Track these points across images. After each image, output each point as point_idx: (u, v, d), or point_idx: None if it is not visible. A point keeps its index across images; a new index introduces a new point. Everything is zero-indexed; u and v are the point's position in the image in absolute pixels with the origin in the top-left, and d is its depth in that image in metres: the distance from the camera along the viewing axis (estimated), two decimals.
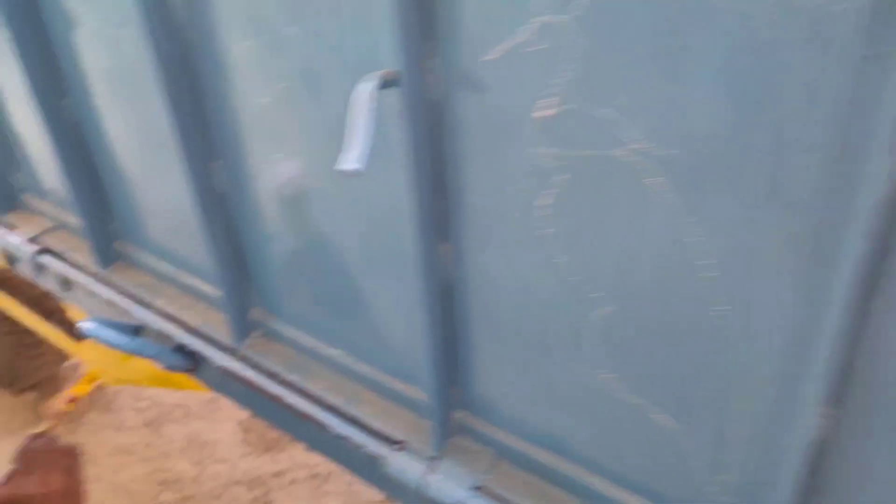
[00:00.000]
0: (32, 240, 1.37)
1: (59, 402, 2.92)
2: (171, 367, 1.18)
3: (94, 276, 1.28)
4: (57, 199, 1.37)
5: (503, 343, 0.86)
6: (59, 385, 2.95)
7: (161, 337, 1.19)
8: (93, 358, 1.54)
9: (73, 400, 2.97)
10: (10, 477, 1.12)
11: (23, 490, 1.09)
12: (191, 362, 1.18)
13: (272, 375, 1.07)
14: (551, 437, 0.89)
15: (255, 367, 1.08)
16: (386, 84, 0.66)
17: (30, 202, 1.46)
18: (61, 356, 2.90)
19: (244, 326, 1.11)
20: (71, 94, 1.14)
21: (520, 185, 0.72)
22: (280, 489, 2.61)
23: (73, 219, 1.37)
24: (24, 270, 1.54)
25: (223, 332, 1.11)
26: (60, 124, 1.16)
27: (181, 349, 1.17)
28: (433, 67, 0.70)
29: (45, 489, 1.12)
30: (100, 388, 3.06)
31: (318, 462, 2.70)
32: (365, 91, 0.63)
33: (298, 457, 2.73)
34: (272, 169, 0.94)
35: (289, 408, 1.04)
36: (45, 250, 1.35)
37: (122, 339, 1.11)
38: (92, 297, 1.33)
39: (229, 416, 2.92)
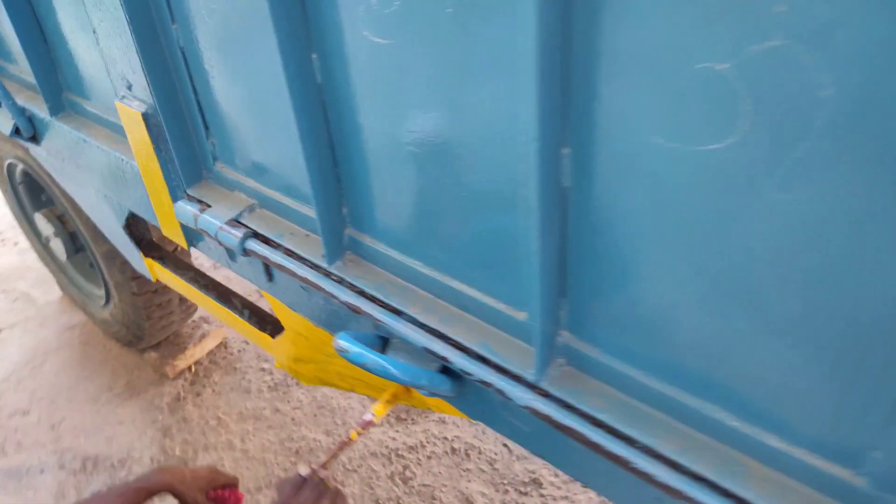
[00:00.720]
0: (235, 221, 1.17)
1: (183, 363, 2.83)
2: (435, 394, 0.97)
3: (321, 270, 1.07)
4: (265, 174, 1.16)
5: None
6: (183, 344, 2.85)
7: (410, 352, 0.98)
8: (291, 353, 1.35)
9: (197, 361, 2.88)
10: None
11: None
12: (457, 387, 0.96)
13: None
14: (663, 366, 0.76)
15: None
16: None
17: (221, 175, 1.25)
18: (187, 315, 2.79)
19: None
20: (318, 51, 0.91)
21: None
22: (418, 464, 2.46)
23: (284, 198, 1.15)
24: (213, 254, 1.35)
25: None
26: (307, 94, 0.92)
27: (446, 370, 0.96)
28: None
29: None
30: (224, 347, 2.95)
31: (455, 435, 2.55)
32: None
33: (433, 429, 2.58)
34: None
35: None
36: (254, 234, 1.15)
37: (387, 365, 0.90)
38: (306, 291, 1.14)
39: None
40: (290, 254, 1.11)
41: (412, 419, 2.62)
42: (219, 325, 2.98)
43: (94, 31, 1.20)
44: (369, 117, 0.90)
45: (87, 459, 2.52)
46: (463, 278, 0.93)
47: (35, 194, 2.83)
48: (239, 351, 2.95)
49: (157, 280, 1.67)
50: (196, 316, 2.94)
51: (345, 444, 1.02)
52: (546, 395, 0.85)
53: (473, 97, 0.75)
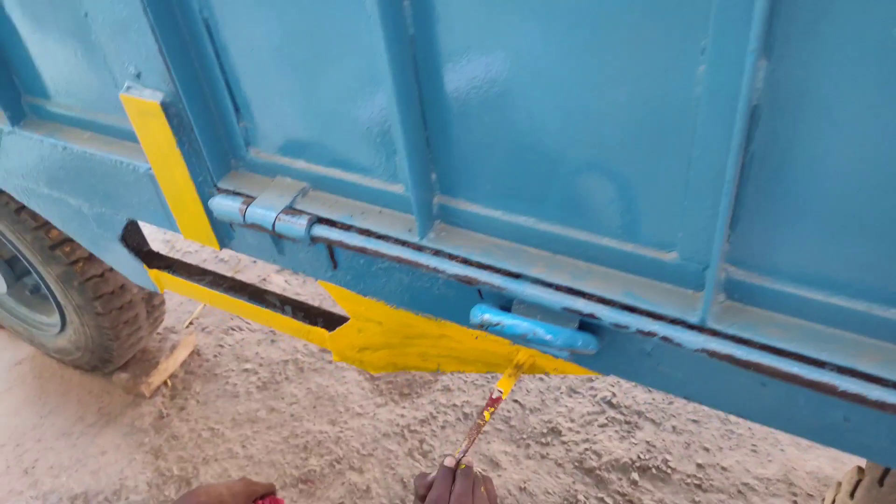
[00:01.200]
0: (291, 209, 1.05)
1: (157, 378, 2.63)
2: (579, 355, 0.91)
3: (410, 245, 0.98)
4: (317, 151, 1.04)
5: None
6: (154, 359, 2.64)
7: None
8: (356, 343, 1.25)
9: (172, 374, 2.69)
10: None
11: None
12: (600, 344, 0.91)
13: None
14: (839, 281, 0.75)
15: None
16: None
17: (256, 161, 1.12)
18: (153, 328, 2.59)
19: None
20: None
21: None
22: (434, 436, 2.41)
23: (344, 174, 1.05)
24: (253, 251, 1.22)
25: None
26: (401, 48, 0.82)
27: (585, 327, 0.90)
28: None
29: None
30: (197, 354, 2.77)
31: (463, 401, 2.51)
32: None
33: (440, 399, 2.53)
34: None
35: None
36: (320, 219, 1.04)
37: (543, 332, 0.83)
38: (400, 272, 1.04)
39: (347, 365, 2.68)
40: (367, 234, 1.01)
41: (416, 392, 2.56)
42: (187, 333, 2.79)
43: (86, 16, 1.03)
44: (466, 69, 0.82)
45: (75, 498, 2.32)
46: (592, 228, 0.87)
47: None
48: (215, 356, 2.77)
49: (164, 291, 1.50)
50: (160, 328, 2.73)
51: (480, 427, 0.95)
52: (716, 334, 0.81)
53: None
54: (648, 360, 0.93)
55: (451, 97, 0.86)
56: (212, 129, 1.10)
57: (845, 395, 0.74)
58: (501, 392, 0.96)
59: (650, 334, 0.82)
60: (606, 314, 0.85)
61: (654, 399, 2.42)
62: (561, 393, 2.49)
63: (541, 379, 2.55)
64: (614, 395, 2.44)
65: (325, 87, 0.96)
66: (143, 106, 1.07)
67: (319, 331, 1.29)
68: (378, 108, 0.92)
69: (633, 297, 0.85)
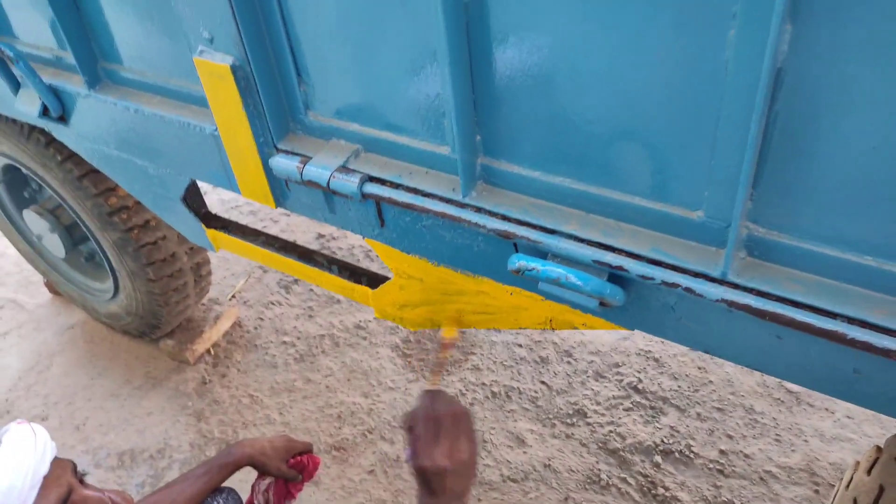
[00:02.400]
0: (345, 168, 1.14)
1: (201, 346, 2.75)
2: (606, 305, 0.98)
3: (455, 203, 1.06)
4: (370, 115, 1.13)
5: None
6: (198, 328, 2.77)
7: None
8: (397, 300, 1.33)
9: (215, 343, 2.81)
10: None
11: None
12: (625, 296, 0.98)
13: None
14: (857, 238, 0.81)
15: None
16: None
17: (313, 124, 1.21)
18: (200, 297, 2.71)
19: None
20: None
21: None
22: None
23: (394, 136, 1.13)
24: (305, 210, 1.31)
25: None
26: (456, 14, 0.90)
27: (614, 280, 0.97)
28: None
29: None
30: (239, 326, 2.89)
31: (492, 380, 2.58)
32: None
33: (469, 377, 2.61)
34: None
35: None
36: (371, 178, 1.12)
37: (574, 278, 0.91)
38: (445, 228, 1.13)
39: (381, 341, 2.78)
40: (415, 192, 1.10)
41: (446, 370, 2.64)
42: (230, 306, 2.91)
43: None
44: (515, 40, 0.90)
45: (122, 454, 2.45)
46: (624, 188, 0.94)
47: (17, 192, 2.67)
48: (255, 328, 2.89)
49: (220, 251, 1.61)
50: (205, 299, 2.86)
51: (442, 362, 1.08)
52: (736, 287, 0.87)
53: None
54: (672, 313, 0.99)
55: (499, 65, 0.94)
56: (275, 93, 1.19)
57: (854, 344, 0.80)
58: (454, 339, 1.09)
59: (674, 285, 0.89)
60: (634, 267, 0.92)
61: (679, 387, 2.46)
62: (588, 377, 2.54)
63: (568, 363, 2.61)
64: (640, 380, 2.50)
65: (382, 54, 1.04)
66: (214, 69, 1.17)
67: (363, 289, 1.38)
68: (430, 74, 1.00)
69: (660, 253, 0.92)
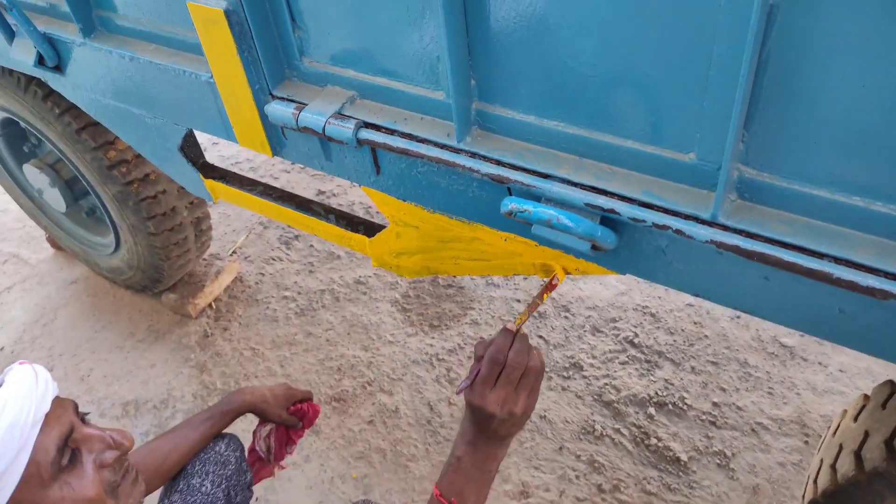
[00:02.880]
0: (340, 114, 1.14)
1: (203, 300, 2.78)
2: (598, 248, 1.00)
3: (449, 148, 1.07)
4: (365, 61, 1.12)
5: None
6: (200, 283, 2.79)
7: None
8: (393, 248, 1.35)
9: (217, 298, 2.84)
10: None
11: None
12: (616, 239, 0.99)
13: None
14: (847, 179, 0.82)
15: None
16: None
17: (309, 70, 1.21)
18: (201, 252, 2.73)
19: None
20: None
21: None
22: (460, 365, 2.53)
23: (390, 82, 1.13)
24: (302, 158, 1.32)
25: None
26: None
27: (606, 224, 0.98)
28: None
29: None
30: (240, 280, 2.91)
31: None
32: None
33: (467, 331, 2.64)
34: None
35: None
36: (366, 124, 1.13)
37: (566, 219, 0.92)
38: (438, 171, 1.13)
39: (381, 296, 2.80)
40: (410, 137, 1.10)
41: (445, 325, 2.67)
42: (231, 261, 2.93)
43: None
44: None
45: (126, 404, 2.50)
46: (618, 131, 0.95)
47: (16, 147, 2.67)
48: (256, 283, 2.92)
49: (218, 201, 1.62)
50: (206, 254, 2.87)
51: (537, 304, 1.04)
52: (725, 228, 0.88)
53: None
54: (662, 257, 1.01)
55: (493, 8, 0.93)
56: (269, 38, 1.19)
57: (839, 283, 0.82)
58: (559, 279, 1.05)
59: (664, 227, 0.90)
60: (625, 209, 0.93)
61: (675, 341, 2.49)
62: (585, 331, 2.57)
63: (565, 318, 2.64)
64: (636, 335, 2.53)
65: None
66: (209, 13, 1.17)
67: (360, 237, 1.39)
68: (425, 19, 1.00)
69: (651, 196, 0.93)
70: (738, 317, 2.56)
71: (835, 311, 0.89)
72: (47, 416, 0.94)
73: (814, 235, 0.85)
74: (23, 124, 2.33)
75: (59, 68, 1.61)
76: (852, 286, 0.81)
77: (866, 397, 1.47)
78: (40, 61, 1.57)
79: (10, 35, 1.59)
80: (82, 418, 1.03)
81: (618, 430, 2.23)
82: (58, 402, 0.98)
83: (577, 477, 2.12)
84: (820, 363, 2.36)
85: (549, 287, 1.05)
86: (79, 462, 0.95)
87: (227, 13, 1.15)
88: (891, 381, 1.36)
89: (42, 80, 1.75)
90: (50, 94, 2.06)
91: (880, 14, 0.68)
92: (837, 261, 0.83)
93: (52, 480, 0.91)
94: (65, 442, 0.93)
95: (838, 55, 0.74)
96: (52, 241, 3.15)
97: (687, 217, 0.91)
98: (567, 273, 1.12)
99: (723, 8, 0.75)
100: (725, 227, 0.89)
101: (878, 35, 0.70)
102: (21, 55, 1.60)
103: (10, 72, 2.05)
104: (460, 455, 1.03)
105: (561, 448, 2.20)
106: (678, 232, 0.90)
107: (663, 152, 0.92)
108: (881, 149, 0.77)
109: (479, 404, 0.98)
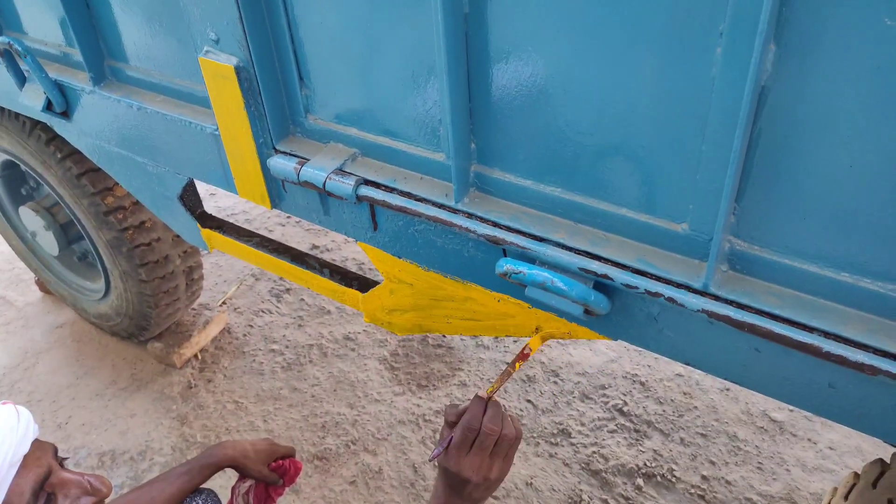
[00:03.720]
0: (341, 171, 1.16)
1: (189, 350, 2.75)
2: (591, 313, 1.01)
3: (447, 208, 1.09)
4: (368, 120, 1.15)
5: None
6: (187, 332, 2.77)
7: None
8: (386, 304, 1.35)
9: (203, 348, 2.81)
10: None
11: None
12: (610, 305, 1.00)
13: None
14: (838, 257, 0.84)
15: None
16: None
17: (313, 127, 1.24)
18: (191, 302, 2.72)
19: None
20: None
21: None
22: None
23: (391, 142, 1.16)
24: (301, 212, 1.33)
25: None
26: (455, 24, 0.93)
27: (599, 289, 0.99)
28: None
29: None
30: (228, 332, 2.89)
31: None
32: None
33: (455, 392, 2.62)
34: None
35: None
36: (366, 181, 1.15)
37: (560, 283, 0.93)
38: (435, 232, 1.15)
39: (369, 353, 2.78)
40: (408, 196, 1.12)
41: (433, 385, 2.65)
42: (220, 311, 2.92)
43: None
44: (512, 54, 0.93)
45: (103, 455, 2.44)
46: (613, 199, 0.97)
47: (14, 189, 2.69)
48: (244, 335, 2.89)
49: (213, 254, 1.62)
50: (195, 304, 2.86)
51: (510, 373, 1.05)
52: (717, 298, 0.90)
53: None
54: (654, 324, 1.01)
55: (495, 76, 0.97)
56: (276, 95, 1.22)
57: (829, 357, 0.82)
58: (531, 349, 1.06)
59: (657, 295, 0.91)
60: (619, 275, 0.94)
61: (664, 411, 2.47)
62: (574, 397, 2.55)
63: (555, 382, 2.62)
64: (626, 403, 2.51)
65: (382, 61, 1.07)
66: (219, 69, 1.20)
67: (353, 292, 1.40)
68: (429, 83, 1.03)
69: (645, 263, 0.95)
70: (728, 389, 2.55)
71: (825, 385, 0.90)
72: (26, 457, 0.93)
73: (804, 309, 0.86)
74: (23, 167, 2.35)
75: (65, 114, 1.64)
76: (842, 361, 0.81)
77: (856, 476, 1.46)
78: (48, 107, 1.60)
79: (22, 80, 1.63)
80: (61, 462, 1.01)
81: (605, 501, 2.19)
82: (37, 444, 0.97)
83: None
84: (809, 439, 2.34)
85: (522, 356, 1.06)
86: None
87: (237, 69, 1.19)
88: (881, 460, 1.35)
89: (47, 124, 1.77)
90: (53, 138, 2.08)
91: (867, 96, 0.72)
92: (827, 335, 0.84)
93: None
94: (41, 485, 0.91)
95: (827, 134, 0.77)
96: (41, 285, 3.13)
97: (679, 286, 0.92)
98: (554, 338, 1.13)
99: (716, 87, 0.79)
100: (717, 297, 0.90)
101: (865, 116, 0.73)
102: (30, 100, 1.63)
103: (17, 115, 2.08)
104: None
105: None
106: (670, 300, 0.91)
107: (657, 221, 0.94)
108: (867, 227, 0.79)
109: (455, 470, 0.98)
